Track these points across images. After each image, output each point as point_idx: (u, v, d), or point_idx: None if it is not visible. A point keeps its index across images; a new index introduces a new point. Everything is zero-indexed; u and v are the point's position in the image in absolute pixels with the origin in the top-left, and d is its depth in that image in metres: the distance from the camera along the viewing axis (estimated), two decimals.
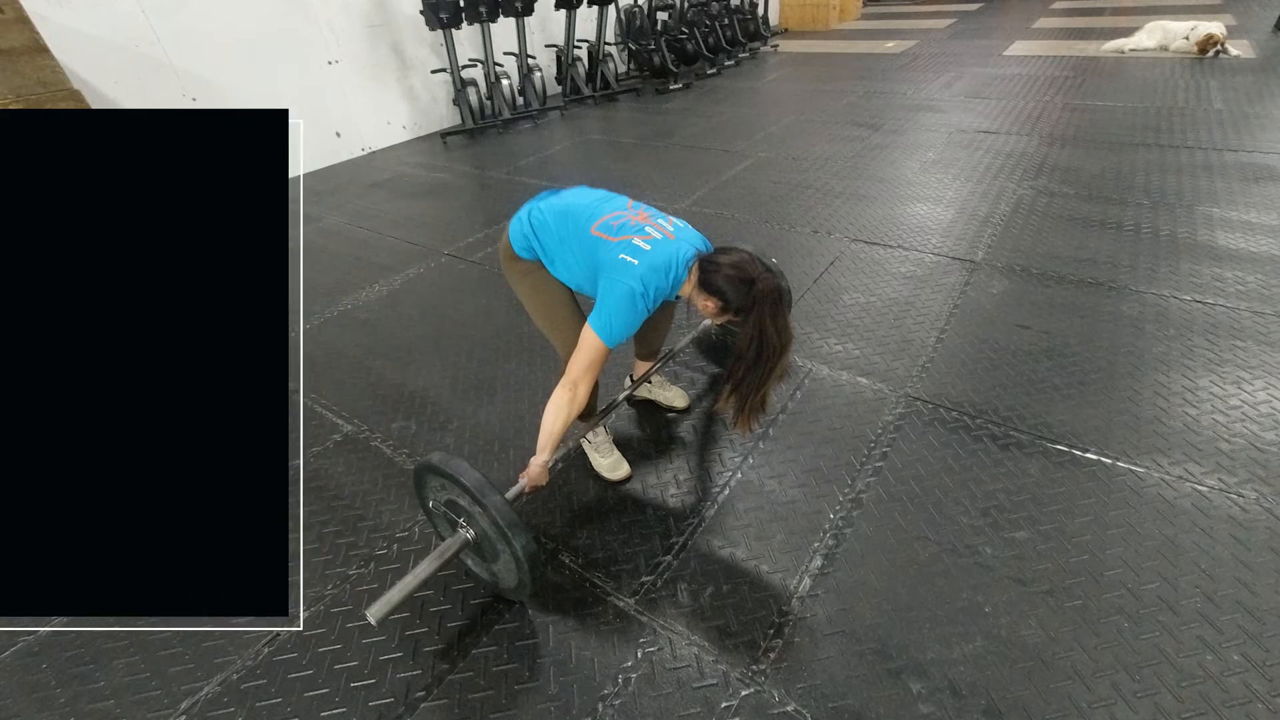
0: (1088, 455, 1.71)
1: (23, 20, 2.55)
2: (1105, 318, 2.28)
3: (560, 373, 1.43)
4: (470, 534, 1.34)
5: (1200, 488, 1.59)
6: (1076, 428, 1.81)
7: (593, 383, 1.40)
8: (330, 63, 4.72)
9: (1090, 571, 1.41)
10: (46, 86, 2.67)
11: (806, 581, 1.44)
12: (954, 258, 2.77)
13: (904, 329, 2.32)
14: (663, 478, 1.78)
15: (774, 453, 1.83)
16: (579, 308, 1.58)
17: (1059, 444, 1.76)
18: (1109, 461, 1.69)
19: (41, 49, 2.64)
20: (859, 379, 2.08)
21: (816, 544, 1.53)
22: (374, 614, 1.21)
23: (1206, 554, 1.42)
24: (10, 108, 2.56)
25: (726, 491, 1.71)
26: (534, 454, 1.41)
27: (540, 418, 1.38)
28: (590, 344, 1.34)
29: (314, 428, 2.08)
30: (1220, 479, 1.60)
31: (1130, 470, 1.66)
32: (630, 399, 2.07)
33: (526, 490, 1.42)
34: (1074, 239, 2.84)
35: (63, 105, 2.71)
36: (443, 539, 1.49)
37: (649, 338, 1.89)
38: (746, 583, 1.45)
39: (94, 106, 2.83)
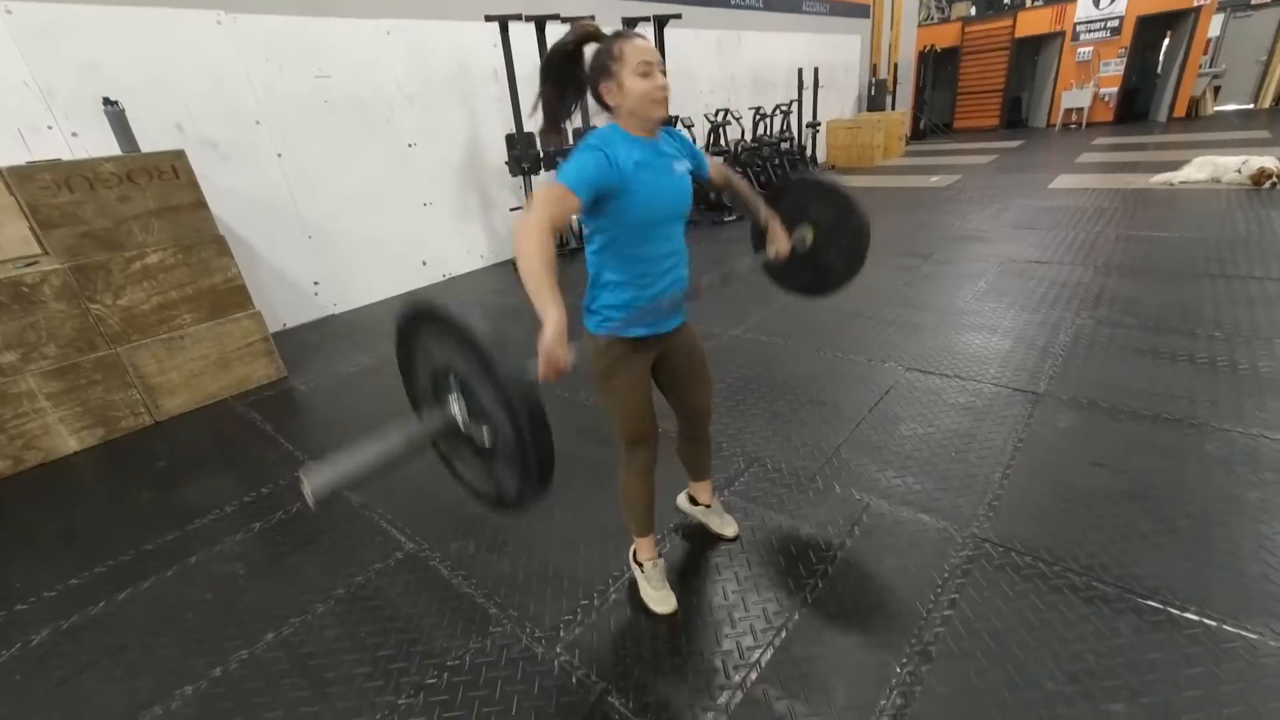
0: (1187, 615, 1.56)
1: (193, 184, 3.16)
2: (1189, 457, 2.16)
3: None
4: (462, 416, 1.05)
5: None
6: (1171, 582, 1.66)
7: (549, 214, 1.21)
8: (425, 205, 5.43)
9: None
10: (199, 233, 3.22)
11: None
12: (1015, 389, 2.73)
13: (966, 463, 2.26)
14: (716, 615, 1.72)
15: (833, 592, 1.75)
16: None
17: (1152, 600, 1.61)
18: (1214, 624, 1.53)
19: (202, 204, 3.21)
20: (921, 516, 2.02)
21: (884, 702, 1.42)
22: (313, 485, 0.90)
23: None
24: (166, 250, 3.08)
25: (783, 634, 1.63)
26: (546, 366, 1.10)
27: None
28: (544, 184, 1.29)
29: (377, 543, 2.17)
30: None
31: (1241, 635, 1.49)
32: (680, 524, 2.07)
33: (542, 374, 1.06)
34: (1144, 372, 2.76)
35: (208, 248, 3.24)
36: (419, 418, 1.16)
37: (684, 392, 1.70)
38: None
39: (230, 244, 3.35)
